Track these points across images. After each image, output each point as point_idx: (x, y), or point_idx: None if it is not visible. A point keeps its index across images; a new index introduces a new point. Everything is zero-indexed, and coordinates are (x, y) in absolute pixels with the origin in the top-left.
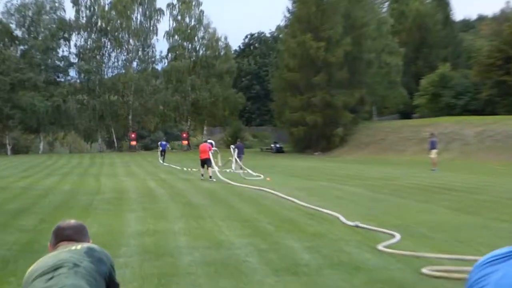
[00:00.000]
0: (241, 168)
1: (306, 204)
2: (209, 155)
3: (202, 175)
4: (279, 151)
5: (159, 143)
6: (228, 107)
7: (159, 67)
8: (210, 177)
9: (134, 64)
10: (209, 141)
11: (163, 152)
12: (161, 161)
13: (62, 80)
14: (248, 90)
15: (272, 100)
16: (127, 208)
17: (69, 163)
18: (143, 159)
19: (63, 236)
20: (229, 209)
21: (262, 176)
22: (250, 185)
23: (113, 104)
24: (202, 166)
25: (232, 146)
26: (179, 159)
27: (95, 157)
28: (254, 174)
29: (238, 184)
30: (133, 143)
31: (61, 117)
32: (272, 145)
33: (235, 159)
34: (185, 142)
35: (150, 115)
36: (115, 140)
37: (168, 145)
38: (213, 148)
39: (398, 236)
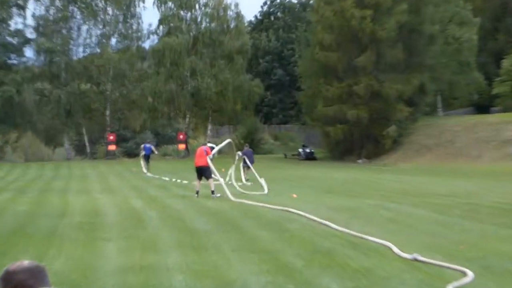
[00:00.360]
0: (246, 179)
1: (346, 230)
2: (207, 162)
3: (197, 192)
4: (310, 157)
5: (142, 145)
6: (240, 98)
7: (146, 44)
8: (213, 192)
9: (113, 41)
10: (208, 144)
11: (147, 158)
12: (145, 170)
13: (15, 62)
14: (268, 75)
15: (299, 89)
16: (104, 236)
17: (25, 175)
18: (125, 169)
19: (14, 282)
20: (242, 237)
21: (266, 191)
22: (267, 203)
23: (85, 95)
24: (199, 177)
25: (239, 153)
26: (173, 168)
27: (60, 167)
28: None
29: (254, 203)
30: (112, 147)
31: (14, 113)
32: (300, 150)
33: (244, 168)
34: (182, 146)
35: (135, 110)
36: (87, 144)
37: (153, 148)
38: (212, 152)
39: (471, 274)
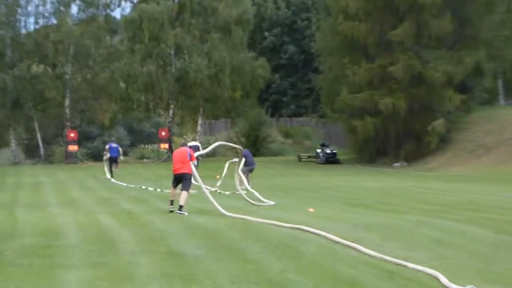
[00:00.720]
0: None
1: (379, 255)
2: (190, 169)
3: (172, 202)
4: (331, 160)
5: (107, 145)
6: (240, 83)
7: (117, 13)
8: (181, 207)
9: (74, 9)
10: (192, 143)
11: (113, 160)
12: (109, 176)
13: None
14: (276, 53)
15: (317, 71)
16: (63, 263)
17: None
18: (91, 175)
19: None
20: (244, 264)
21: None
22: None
23: (38, 80)
24: (175, 184)
25: (235, 160)
26: (153, 175)
27: (5, 174)
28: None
29: (258, 220)
30: (73, 148)
31: None
32: (318, 151)
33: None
34: (165, 146)
35: (103, 99)
36: (40, 144)
37: (120, 149)
38: (197, 154)
39: None
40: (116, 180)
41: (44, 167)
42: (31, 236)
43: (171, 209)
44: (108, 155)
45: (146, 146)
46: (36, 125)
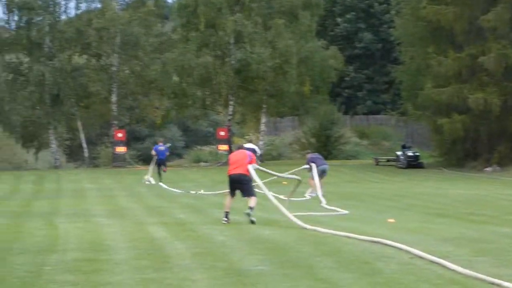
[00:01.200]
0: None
1: (469, 272)
2: (248, 171)
3: (227, 215)
4: (413, 164)
5: (154, 148)
6: (309, 76)
7: None
8: (251, 209)
9: None
10: (249, 145)
11: (161, 163)
12: (153, 181)
13: None
14: (349, 42)
15: (397, 61)
16: (111, 280)
17: None
18: (139, 181)
19: None
20: (314, 282)
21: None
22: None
23: (80, 73)
24: (232, 192)
25: (306, 166)
26: (210, 180)
27: (44, 179)
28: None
29: (331, 232)
30: (121, 149)
31: None
32: (399, 153)
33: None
34: (224, 148)
35: (154, 94)
36: (84, 145)
37: (168, 152)
38: (256, 160)
39: None
40: (167, 185)
41: (88, 171)
42: (74, 249)
43: (225, 221)
44: (156, 157)
45: (203, 147)
46: (79, 124)
